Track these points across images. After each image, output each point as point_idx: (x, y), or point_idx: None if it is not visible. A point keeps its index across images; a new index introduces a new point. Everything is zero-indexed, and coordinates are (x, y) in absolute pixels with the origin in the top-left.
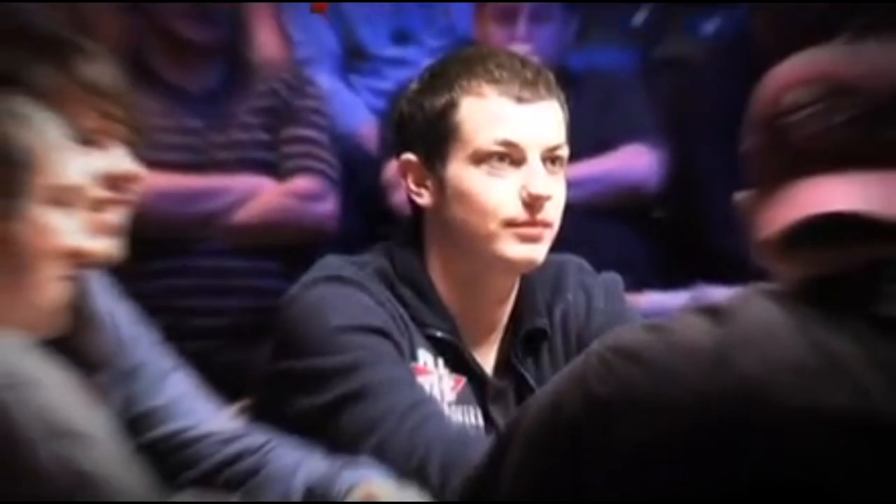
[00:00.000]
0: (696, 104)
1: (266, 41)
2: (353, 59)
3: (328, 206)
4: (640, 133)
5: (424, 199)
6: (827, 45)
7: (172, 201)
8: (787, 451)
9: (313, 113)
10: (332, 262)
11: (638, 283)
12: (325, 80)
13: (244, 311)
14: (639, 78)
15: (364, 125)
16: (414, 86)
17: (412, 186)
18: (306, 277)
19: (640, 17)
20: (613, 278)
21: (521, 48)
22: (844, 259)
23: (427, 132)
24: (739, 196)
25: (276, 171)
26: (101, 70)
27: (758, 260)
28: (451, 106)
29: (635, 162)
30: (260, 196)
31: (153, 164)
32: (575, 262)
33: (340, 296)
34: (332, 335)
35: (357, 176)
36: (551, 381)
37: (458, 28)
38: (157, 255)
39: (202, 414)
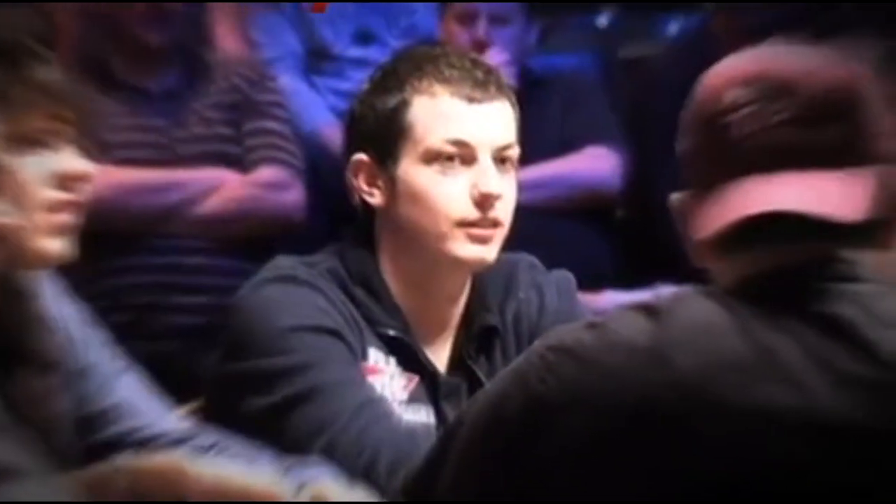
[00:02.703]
0: (655, 104)
1: (227, 42)
2: (316, 60)
3: (294, 195)
4: (603, 135)
5: (376, 198)
6: (766, 45)
7: (136, 194)
8: (726, 449)
9: (274, 106)
10: (282, 263)
11: (599, 282)
12: (288, 81)
13: (207, 309)
14: (602, 80)
15: (327, 126)
16: (366, 86)
17: (364, 186)
18: (256, 278)
19: (603, 20)
20: (566, 276)
21: (496, 53)
22: (781, 257)
23: (379, 132)
24: (675, 197)
25: (239, 164)
26: (51, 72)
27: (695, 261)
28: (403, 105)
29: (597, 163)
30: (225, 187)
31: (118, 162)
32: (527, 260)
33: (291, 296)
34: (282, 336)
35: (320, 176)
36: (495, 379)
37: (420, 28)
38: (121, 252)
39: (152, 415)
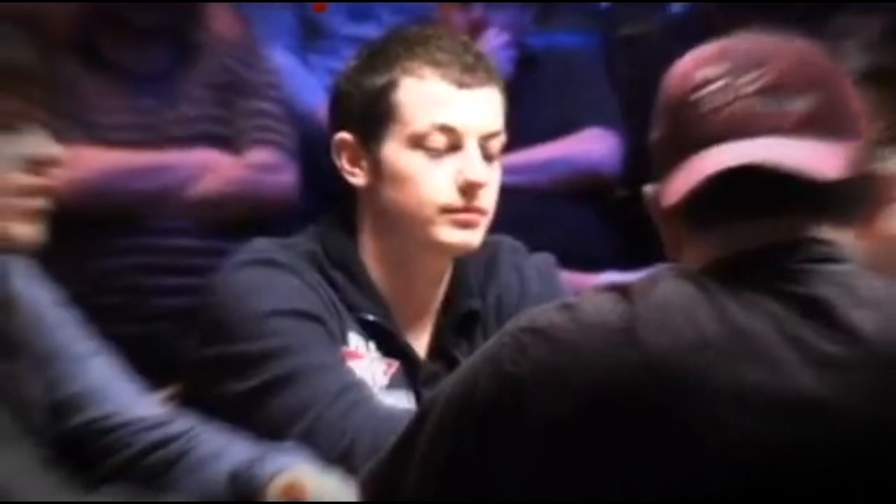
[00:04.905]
0: (651, 82)
1: (218, 21)
2: (312, 38)
3: (287, 178)
4: (601, 115)
5: (359, 178)
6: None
7: (124, 177)
8: (701, 431)
9: (267, 86)
10: (260, 245)
11: (598, 263)
12: (282, 59)
13: (198, 290)
14: (601, 58)
15: (322, 107)
16: (353, 63)
17: (346, 166)
18: (233, 260)
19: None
20: (546, 259)
21: (494, 35)
22: (757, 237)
23: (364, 111)
24: (648, 189)
25: (230, 145)
26: (17, 51)
27: (669, 252)
28: (391, 86)
29: (595, 145)
30: (216, 169)
31: (106, 144)
32: (508, 243)
33: (269, 279)
34: (259, 319)
35: (315, 157)
36: (467, 362)
37: (415, 3)
38: (109, 234)
39: (126, 400)
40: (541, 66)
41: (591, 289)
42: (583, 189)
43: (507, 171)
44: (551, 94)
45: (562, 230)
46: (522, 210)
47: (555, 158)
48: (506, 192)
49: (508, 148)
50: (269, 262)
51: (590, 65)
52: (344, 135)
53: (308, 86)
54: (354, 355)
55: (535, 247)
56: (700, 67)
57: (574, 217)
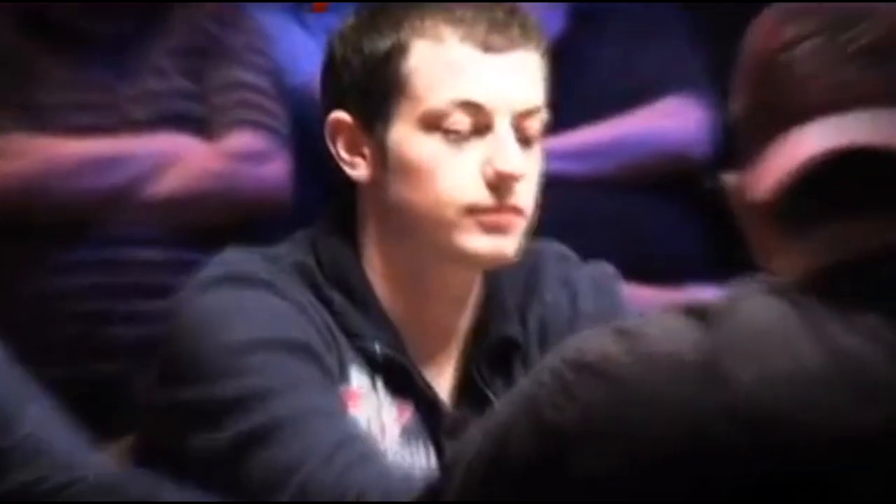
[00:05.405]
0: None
1: None
2: None
3: (276, 168)
4: (683, 80)
5: (360, 171)
6: None
7: (74, 172)
8: (802, 482)
9: (251, 52)
10: (234, 258)
11: (679, 273)
12: (270, 20)
13: (164, 316)
14: (680, 10)
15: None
16: (351, 21)
17: (343, 154)
18: (200, 277)
19: None
20: (604, 271)
21: None
22: (862, 239)
23: (365, 83)
24: (730, 178)
25: (204, 127)
26: None
27: (759, 257)
28: (398, 51)
29: (676, 119)
30: (186, 159)
31: (53, 130)
32: (555, 250)
33: (245, 301)
34: (234, 353)
35: (313, 138)
36: (500, 403)
37: None
38: (54, 246)
39: (70, 455)
40: (602, 18)
41: (660, 310)
42: (661, 178)
43: (558, 156)
44: (616, 55)
45: (627, 232)
46: (575, 207)
47: (622, 138)
48: (554, 184)
49: (560, 126)
50: (244, 279)
51: (669, 17)
52: (340, 114)
53: (304, 49)
54: (357, 397)
55: (590, 253)
56: (789, 20)
57: (645, 214)
